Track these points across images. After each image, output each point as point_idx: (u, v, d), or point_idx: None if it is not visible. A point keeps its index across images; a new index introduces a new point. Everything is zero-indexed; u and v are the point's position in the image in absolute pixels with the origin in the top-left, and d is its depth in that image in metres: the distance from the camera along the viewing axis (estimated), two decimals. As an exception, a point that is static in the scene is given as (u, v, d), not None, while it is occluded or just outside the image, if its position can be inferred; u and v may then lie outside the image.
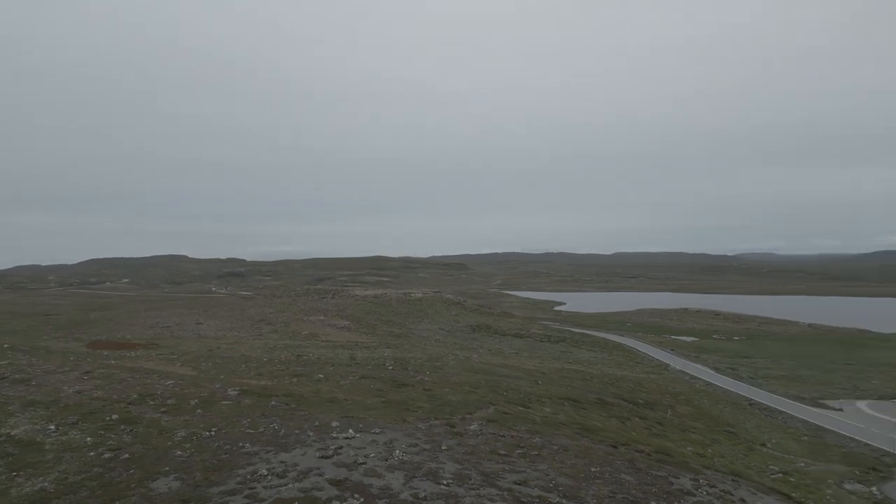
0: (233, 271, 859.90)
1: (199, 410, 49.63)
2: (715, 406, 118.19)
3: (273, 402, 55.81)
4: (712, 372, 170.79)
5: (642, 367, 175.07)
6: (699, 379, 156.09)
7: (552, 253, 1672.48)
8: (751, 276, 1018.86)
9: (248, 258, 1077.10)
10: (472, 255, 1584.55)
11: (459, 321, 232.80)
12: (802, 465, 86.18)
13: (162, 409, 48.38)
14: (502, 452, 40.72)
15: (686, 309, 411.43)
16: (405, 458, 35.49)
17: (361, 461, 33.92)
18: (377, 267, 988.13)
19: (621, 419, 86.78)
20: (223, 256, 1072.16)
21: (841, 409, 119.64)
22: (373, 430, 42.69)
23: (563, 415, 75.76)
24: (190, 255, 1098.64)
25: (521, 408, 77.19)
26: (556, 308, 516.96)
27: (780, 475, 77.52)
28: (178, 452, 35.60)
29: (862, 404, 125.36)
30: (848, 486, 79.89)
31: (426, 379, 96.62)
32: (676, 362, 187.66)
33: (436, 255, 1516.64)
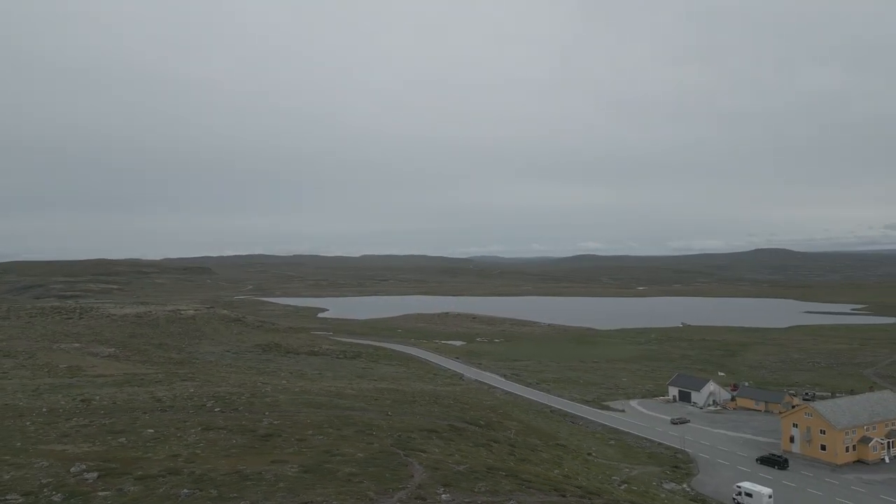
0: None
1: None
2: (533, 418, 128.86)
3: (132, 488, 46.64)
4: (501, 379, 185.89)
5: (442, 378, 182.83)
6: (497, 388, 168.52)
7: (302, 255, 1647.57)
8: (485, 277, 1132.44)
9: None
10: (213, 258, 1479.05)
11: (244, 340, 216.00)
12: (627, 469, 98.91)
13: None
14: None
15: (447, 313, 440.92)
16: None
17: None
18: (101, 272, 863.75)
19: (486, 447, 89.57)
20: None
21: (623, 410, 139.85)
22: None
23: (458, 455, 75.70)
24: None
25: (403, 453, 74.81)
26: (320, 315, 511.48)
27: (626, 485, 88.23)
28: None
29: (635, 403, 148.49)
30: (667, 486, 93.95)
31: (275, 423, 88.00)
32: (467, 370, 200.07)
33: (171, 257, 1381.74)
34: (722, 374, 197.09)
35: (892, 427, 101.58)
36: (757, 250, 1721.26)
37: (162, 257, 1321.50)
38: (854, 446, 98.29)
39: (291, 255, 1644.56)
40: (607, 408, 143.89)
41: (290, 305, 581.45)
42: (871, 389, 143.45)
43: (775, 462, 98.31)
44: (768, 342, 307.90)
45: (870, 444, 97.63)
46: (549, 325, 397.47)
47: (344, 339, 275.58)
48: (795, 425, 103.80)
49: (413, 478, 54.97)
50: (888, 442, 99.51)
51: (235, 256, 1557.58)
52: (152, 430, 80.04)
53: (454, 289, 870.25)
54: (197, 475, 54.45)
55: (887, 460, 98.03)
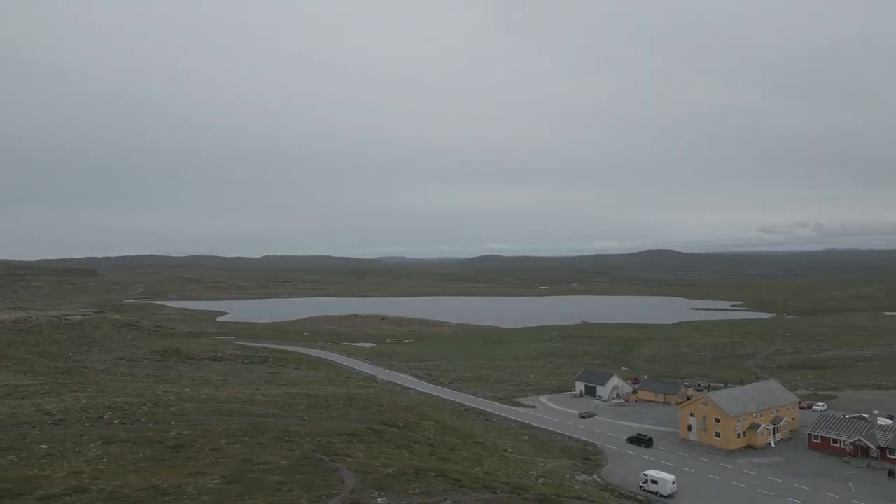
0: None
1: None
2: (449, 417, 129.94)
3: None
4: (414, 379, 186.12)
5: (355, 381, 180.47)
6: (411, 389, 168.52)
7: (198, 256, 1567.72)
8: (392, 278, 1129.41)
9: None
10: (98, 259, 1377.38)
11: (139, 346, 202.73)
12: (542, 464, 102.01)
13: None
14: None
15: (356, 315, 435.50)
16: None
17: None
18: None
19: (408, 449, 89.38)
20: None
21: (534, 406, 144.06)
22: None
23: (383, 458, 74.85)
24: None
25: (328, 459, 73.20)
26: (220, 318, 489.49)
27: (543, 479, 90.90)
28: None
29: (544, 399, 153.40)
30: (579, 478, 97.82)
31: (184, 433, 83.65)
32: (379, 372, 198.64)
33: (49, 258, 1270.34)
34: (625, 368, 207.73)
35: (777, 414, 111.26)
36: (648, 251, 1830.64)
37: (38, 258, 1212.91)
38: (744, 433, 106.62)
39: (187, 255, 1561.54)
40: (519, 404, 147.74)
41: (186, 309, 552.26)
42: (757, 379, 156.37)
43: (642, 441, 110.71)
44: (660, 337, 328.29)
45: (758, 430, 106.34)
46: (457, 324, 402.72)
47: (248, 344, 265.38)
48: (692, 415, 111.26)
49: (344, 483, 54.00)
50: (774, 427, 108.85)
51: (123, 258, 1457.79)
52: (45, 446, 74.01)
53: (362, 290, 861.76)
54: (108, 492, 50.66)
55: (773, 444, 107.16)
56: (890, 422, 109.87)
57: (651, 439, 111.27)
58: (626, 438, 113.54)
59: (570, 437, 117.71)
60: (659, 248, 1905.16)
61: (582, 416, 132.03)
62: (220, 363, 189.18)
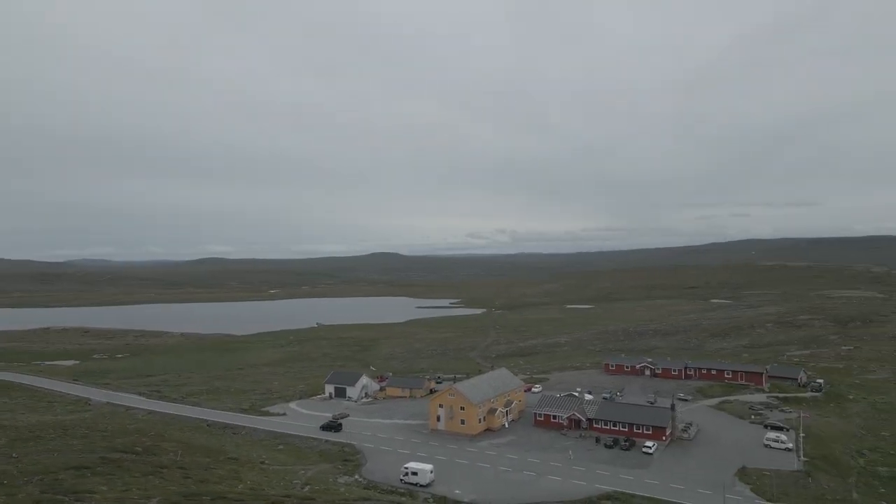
0: None
1: None
2: (192, 436, 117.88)
3: None
4: (140, 398, 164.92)
5: (62, 405, 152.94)
6: (137, 409, 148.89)
7: None
8: (91, 284, 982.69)
9: None
10: None
11: None
12: (303, 471, 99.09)
13: None
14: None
15: (48, 328, 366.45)
16: None
17: None
18: None
19: (157, 475, 79.05)
20: None
21: (284, 414, 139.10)
22: None
23: (136, 489, 64.29)
24: None
25: (68, 499, 61.29)
26: None
27: (308, 486, 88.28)
28: None
29: (294, 405, 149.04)
30: (342, 480, 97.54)
31: None
32: (92, 393, 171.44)
33: None
34: (373, 368, 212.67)
35: (509, 398, 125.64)
36: (374, 254, 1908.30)
37: None
38: (484, 417, 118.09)
39: None
40: (267, 413, 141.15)
41: None
42: (480, 371, 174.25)
43: (332, 427, 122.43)
44: (394, 336, 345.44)
45: (496, 414, 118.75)
46: (181, 334, 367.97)
47: None
48: (441, 405, 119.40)
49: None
50: (507, 410, 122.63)
51: None
52: None
53: (54, 299, 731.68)
54: None
55: (507, 425, 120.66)
56: (591, 397, 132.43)
57: (340, 425, 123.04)
58: (319, 427, 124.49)
59: (327, 441, 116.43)
60: (383, 251, 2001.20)
61: (335, 418, 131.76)
62: None
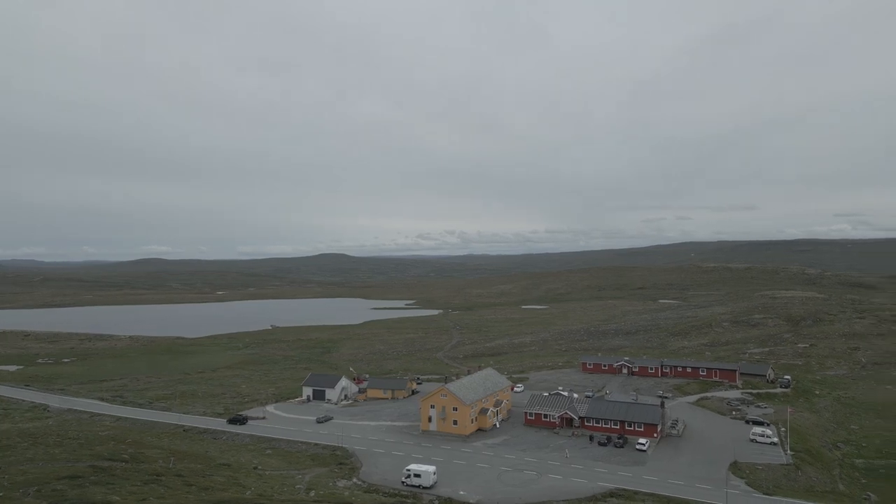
0: None
1: None
2: (172, 442, 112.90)
3: None
4: (102, 403, 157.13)
5: (18, 413, 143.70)
6: (102, 415, 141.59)
7: None
8: (23, 285, 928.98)
9: None
10: None
11: None
12: (300, 476, 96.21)
13: None
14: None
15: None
16: None
17: None
18: None
19: (157, 483, 75.16)
20: None
21: (264, 417, 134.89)
22: None
23: (154, 498, 60.58)
24: None
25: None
26: None
27: (313, 491, 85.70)
28: None
29: (271, 408, 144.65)
30: (341, 484, 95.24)
31: None
32: (49, 399, 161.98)
33: None
34: (352, 369, 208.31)
35: (498, 397, 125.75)
36: (321, 255, 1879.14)
37: None
38: (476, 418, 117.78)
39: None
40: (247, 417, 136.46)
41: None
42: (467, 370, 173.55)
43: (238, 420, 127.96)
44: (353, 337, 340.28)
45: (487, 414, 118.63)
46: (130, 336, 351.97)
47: None
48: (433, 406, 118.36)
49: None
50: (496, 410, 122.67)
51: None
52: None
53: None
54: None
55: (497, 425, 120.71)
56: (576, 395, 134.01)
57: (246, 418, 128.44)
58: (226, 420, 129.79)
59: (316, 444, 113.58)
60: (331, 251, 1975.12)
61: (319, 421, 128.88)
62: None
